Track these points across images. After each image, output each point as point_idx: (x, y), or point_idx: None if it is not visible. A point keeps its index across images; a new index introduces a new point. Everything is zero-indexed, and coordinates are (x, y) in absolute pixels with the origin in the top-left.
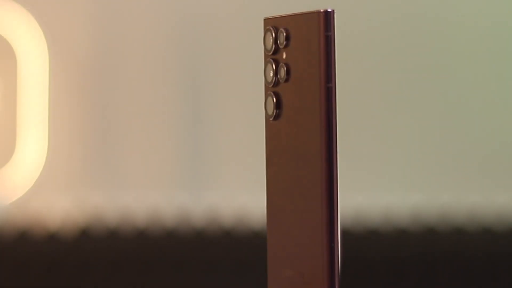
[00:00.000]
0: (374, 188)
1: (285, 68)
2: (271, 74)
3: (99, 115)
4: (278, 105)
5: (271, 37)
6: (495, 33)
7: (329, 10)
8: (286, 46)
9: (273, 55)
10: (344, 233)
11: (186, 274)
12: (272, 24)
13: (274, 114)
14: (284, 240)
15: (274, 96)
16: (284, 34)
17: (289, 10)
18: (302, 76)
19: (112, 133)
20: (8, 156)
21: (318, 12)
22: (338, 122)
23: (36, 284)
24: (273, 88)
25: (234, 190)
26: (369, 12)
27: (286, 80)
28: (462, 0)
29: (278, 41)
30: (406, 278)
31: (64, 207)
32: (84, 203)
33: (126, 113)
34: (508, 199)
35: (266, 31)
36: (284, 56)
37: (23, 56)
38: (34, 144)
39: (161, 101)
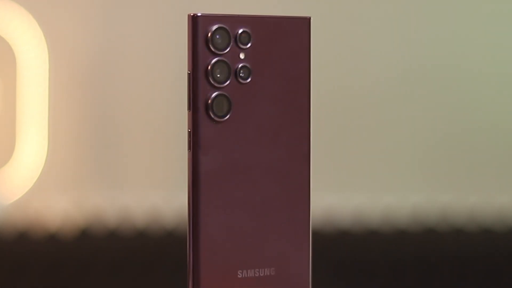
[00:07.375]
0: (373, 188)
1: (248, 68)
2: (219, 75)
3: (99, 115)
4: (232, 106)
5: (224, 36)
6: (497, 35)
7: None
8: (247, 47)
9: (224, 55)
10: (344, 233)
11: (185, 274)
12: (218, 23)
13: (227, 115)
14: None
15: (228, 97)
16: (250, 34)
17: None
18: (267, 77)
19: (112, 133)
20: (8, 156)
21: (302, 18)
22: (336, 122)
23: (36, 284)
24: (225, 89)
25: None
26: (369, 11)
27: (247, 80)
28: (462, 1)
29: (238, 41)
30: (406, 278)
31: (64, 207)
32: (84, 203)
33: (126, 113)
34: (508, 199)
35: (217, 29)
36: (242, 56)
37: (23, 56)
38: (34, 144)
39: (161, 101)
